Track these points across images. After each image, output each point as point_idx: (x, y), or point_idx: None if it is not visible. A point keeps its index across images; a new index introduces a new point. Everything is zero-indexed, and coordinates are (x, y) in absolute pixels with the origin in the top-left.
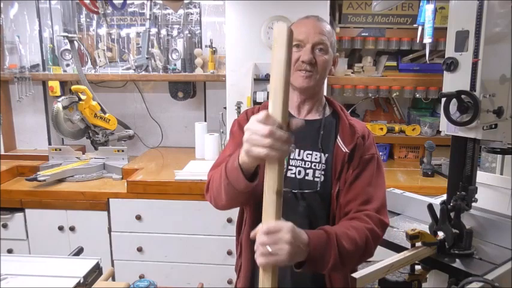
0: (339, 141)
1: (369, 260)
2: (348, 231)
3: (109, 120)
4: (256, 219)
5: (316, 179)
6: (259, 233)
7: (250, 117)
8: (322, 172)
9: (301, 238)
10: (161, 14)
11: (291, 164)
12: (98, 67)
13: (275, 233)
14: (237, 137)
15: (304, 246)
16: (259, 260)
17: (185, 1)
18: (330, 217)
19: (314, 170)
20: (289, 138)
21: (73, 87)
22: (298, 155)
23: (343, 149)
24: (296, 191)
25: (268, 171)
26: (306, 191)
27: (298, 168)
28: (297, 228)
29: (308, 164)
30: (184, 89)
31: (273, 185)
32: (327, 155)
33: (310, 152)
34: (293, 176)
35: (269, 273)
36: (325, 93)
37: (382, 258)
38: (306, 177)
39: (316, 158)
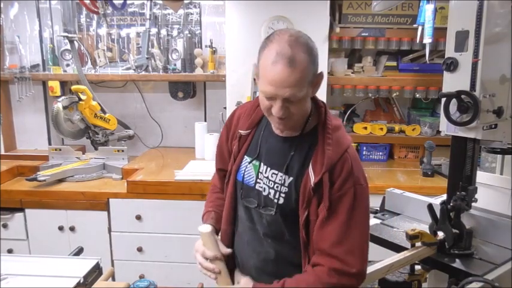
0: (310, 169)
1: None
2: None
3: (109, 120)
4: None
5: (275, 200)
6: None
7: (236, 116)
8: (283, 195)
9: None
10: (161, 14)
11: (259, 177)
12: (98, 67)
13: None
14: (228, 127)
15: None
16: None
17: (185, 1)
18: (302, 246)
19: (275, 191)
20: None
21: (73, 87)
22: (265, 173)
23: (311, 179)
24: (259, 208)
25: None
26: (268, 209)
27: (264, 185)
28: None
29: (271, 184)
30: (184, 89)
31: None
32: (291, 178)
33: (276, 172)
34: (260, 190)
35: None
36: (325, 93)
37: (382, 258)
38: (269, 196)
39: (279, 180)
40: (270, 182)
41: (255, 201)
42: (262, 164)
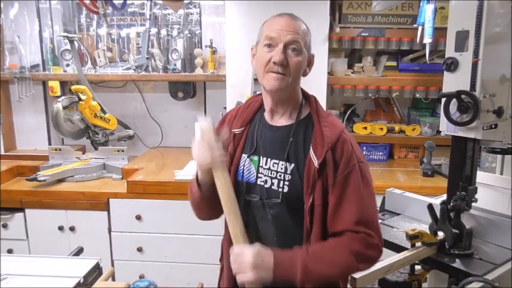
0: (311, 152)
1: None
2: (323, 254)
3: (109, 120)
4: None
5: (280, 189)
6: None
7: (227, 118)
8: (287, 183)
9: (265, 262)
10: (161, 14)
11: (260, 172)
12: (98, 67)
13: (239, 258)
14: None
15: (269, 269)
16: (237, 278)
17: (185, 1)
18: (304, 233)
19: (279, 180)
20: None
21: (73, 87)
22: (266, 164)
23: (314, 161)
24: (263, 200)
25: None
26: (272, 200)
27: (265, 177)
28: (263, 251)
29: (274, 174)
30: (184, 89)
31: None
32: (292, 165)
33: (277, 162)
34: (262, 184)
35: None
36: (325, 93)
37: (382, 258)
38: (272, 187)
39: (281, 168)
40: (272, 172)
41: (256, 196)
42: (261, 157)
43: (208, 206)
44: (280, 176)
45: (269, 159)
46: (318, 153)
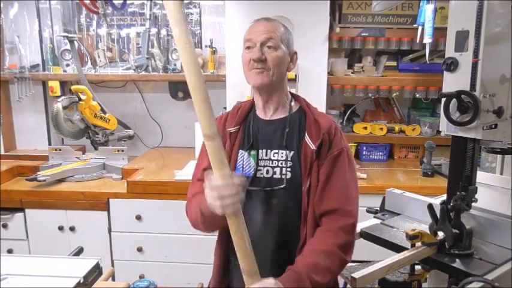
0: (307, 138)
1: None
2: (319, 262)
3: (109, 120)
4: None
5: (283, 176)
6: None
7: (220, 123)
8: (289, 169)
9: None
10: (161, 14)
11: (260, 164)
12: (98, 67)
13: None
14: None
15: None
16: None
17: (185, 1)
18: (302, 214)
19: (281, 168)
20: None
21: (73, 87)
22: (266, 155)
23: (310, 146)
24: (266, 189)
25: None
26: (275, 188)
27: (266, 168)
28: (277, 282)
29: (275, 163)
30: (184, 89)
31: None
32: (292, 152)
33: (277, 151)
34: (262, 175)
35: None
36: (325, 93)
37: (382, 258)
38: (274, 176)
39: (282, 156)
40: (274, 161)
41: (257, 188)
42: (259, 150)
43: (213, 226)
44: (282, 163)
45: (269, 150)
46: (313, 138)
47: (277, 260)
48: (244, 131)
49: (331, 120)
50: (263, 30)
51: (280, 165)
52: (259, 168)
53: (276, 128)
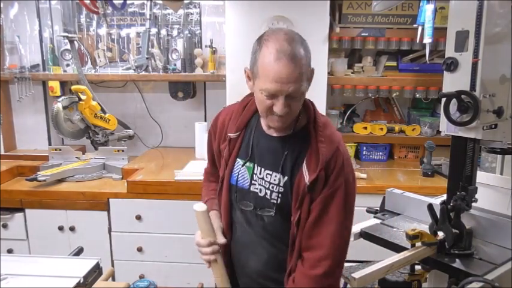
0: (304, 167)
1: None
2: None
3: (109, 120)
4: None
5: (273, 201)
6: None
7: (219, 125)
8: (279, 195)
9: None
10: (161, 14)
11: (254, 179)
12: (98, 67)
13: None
14: (210, 140)
15: None
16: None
17: (185, 1)
18: (290, 241)
19: (271, 192)
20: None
21: (73, 87)
22: (260, 174)
23: (305, 177)
24: (257, 210)
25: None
26: (266, 210)
27: (259, 186)
28: None
29: (267, 184)
30: (184, 89)
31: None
32: (286, 178)
33: (270, 173)
34: (256, 191)
35: None
36: (325, 93)
37: (382, 258)
38: (266, 196)
39: (275, 180)
40: (266, 182)
41: (251, 204)
42: (256, 165)
43: None
44: (273, 187)
45: (263, 169)
46: (311, 169)
47: (265, 279)
48: (244, 139)
49: (335, 146)
50: (292, 78)
51: (271, 188)
52: (253, 182)
53: (276, 147)
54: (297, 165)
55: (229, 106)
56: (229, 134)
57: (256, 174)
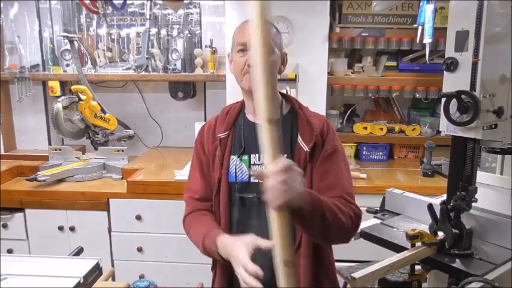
0: (300, 140)
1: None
2: (335, 203)
3: (109, 120)
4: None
5: None
6: (271, 173)
7: (205, 133)
8: None
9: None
10: (161, 14)
11: (253, 170)
12: (98, 67)
13: (289, 169)
14: (199, 154)
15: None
16: (275, 202)
17: (185, 1)
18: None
19: None
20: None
21: (73, 87)
22: (259, 160)
23: (304, 147)
24: (260, 196)
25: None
26: None
27: None
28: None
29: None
30: (184, 89)
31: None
32: (285, 155)
33: None
34: (256, 180)
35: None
36: (325, 93)
37: (382, 258)
38: None
39: None
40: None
41: (254, 194)
42: (252, 155)
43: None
44: None
45: (260, 155)
46: (307, 139)
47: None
48: (235, 135)
49: (323, 119)
50: None
51: None
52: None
53: None
54: (293, 141)
55: (211, 119)
56: (218, 135)
57: (254, 163)
